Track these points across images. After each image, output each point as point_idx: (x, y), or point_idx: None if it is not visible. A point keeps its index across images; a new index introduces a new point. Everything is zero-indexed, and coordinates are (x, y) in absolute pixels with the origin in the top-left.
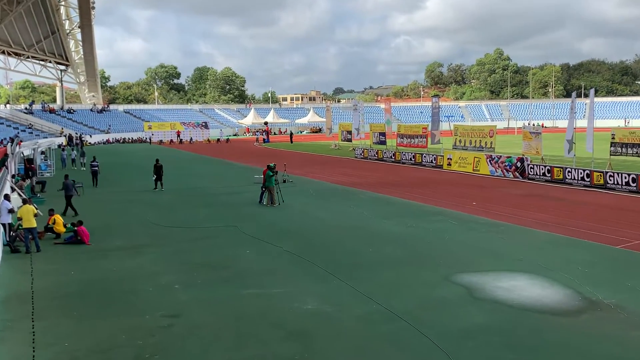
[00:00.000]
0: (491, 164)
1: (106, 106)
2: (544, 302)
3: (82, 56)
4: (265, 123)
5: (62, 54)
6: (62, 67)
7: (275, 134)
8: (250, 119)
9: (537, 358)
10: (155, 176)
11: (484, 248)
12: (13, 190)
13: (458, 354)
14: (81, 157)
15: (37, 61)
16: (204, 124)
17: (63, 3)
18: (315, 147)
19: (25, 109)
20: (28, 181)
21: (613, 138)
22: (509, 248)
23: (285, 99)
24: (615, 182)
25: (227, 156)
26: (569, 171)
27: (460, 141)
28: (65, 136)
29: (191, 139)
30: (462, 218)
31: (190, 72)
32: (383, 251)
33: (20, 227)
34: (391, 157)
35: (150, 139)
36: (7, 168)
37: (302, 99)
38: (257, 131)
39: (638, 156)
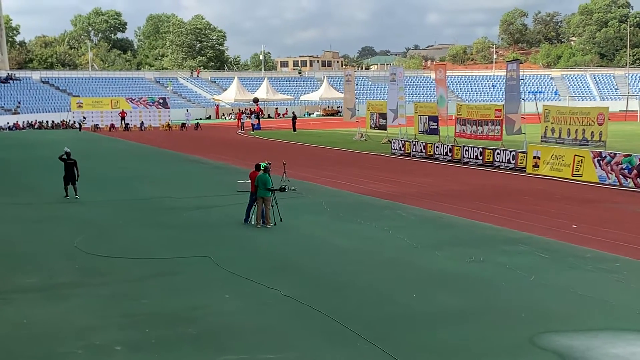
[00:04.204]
0: (601, 165)
1: (12, 72)
2: None
3: None
4: (255, 100)
5: None
6: None
7: (269, 116)
8: (232, 93)
9: None
10: (67, 178)
11: (589, 295)
12: None
13: None
14: None
15: None
16: (161, 100)
17: None
18: (330, 138)
19: None
20: None
21: None
22: (628, 296)
23: (285, 64)
24: None
25: (196, 150)
26: None
27: (553, 130)
28: None
29: (142, 123)
30: (556, 249)
31: (141, 23)
32: (433, 299)
33: None
34: (447, 154)
35: (80, 124)
36: None
37: (311, 64)
38: (242, 112)
39: None
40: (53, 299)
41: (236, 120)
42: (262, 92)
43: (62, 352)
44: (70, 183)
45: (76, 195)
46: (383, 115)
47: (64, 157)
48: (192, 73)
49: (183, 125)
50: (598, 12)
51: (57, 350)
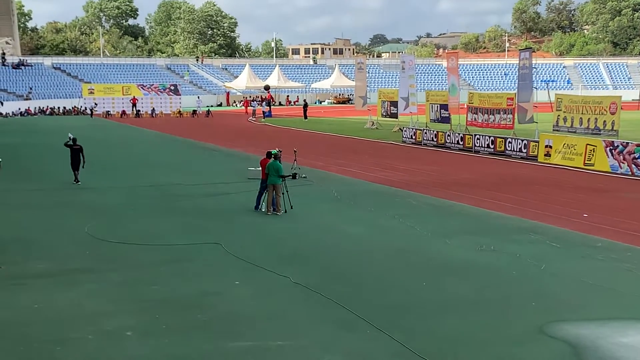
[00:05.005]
0: (613, 155)
1: (24, 58)
2: None
3: None
4: (266, 88)
5: None
6: None
7: (280, 104)
8: (244, 80)
9: None
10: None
11: (600, 285)
12: None
13: None
14: None
15: None
16: (172, 87)
17: None
18: (341, 126)
19: None
20: None
21: None
22: (639, 285)
23: (297, 52)
24: None
25: (207, 137)
26: None
27: (565, 119)
28: None
29: (153, 110)
30: (567, 238)
31: (152, 9)
32: (443, 287)
33: None
34: (458, 143)
35: (91, 110)
36: None
37: (322, 52)
38: (252, 100)
39: None
40: (64, 285)
41: (262, 105)
42: (274, 80)
43: (73, 337)
44: (75, 168)
45: (76, 180)
46: (394, 104)
47: (70, 143)
48: (197, 59)
49: (194, 112)
50: (611, 1)
51: (69, 335)
